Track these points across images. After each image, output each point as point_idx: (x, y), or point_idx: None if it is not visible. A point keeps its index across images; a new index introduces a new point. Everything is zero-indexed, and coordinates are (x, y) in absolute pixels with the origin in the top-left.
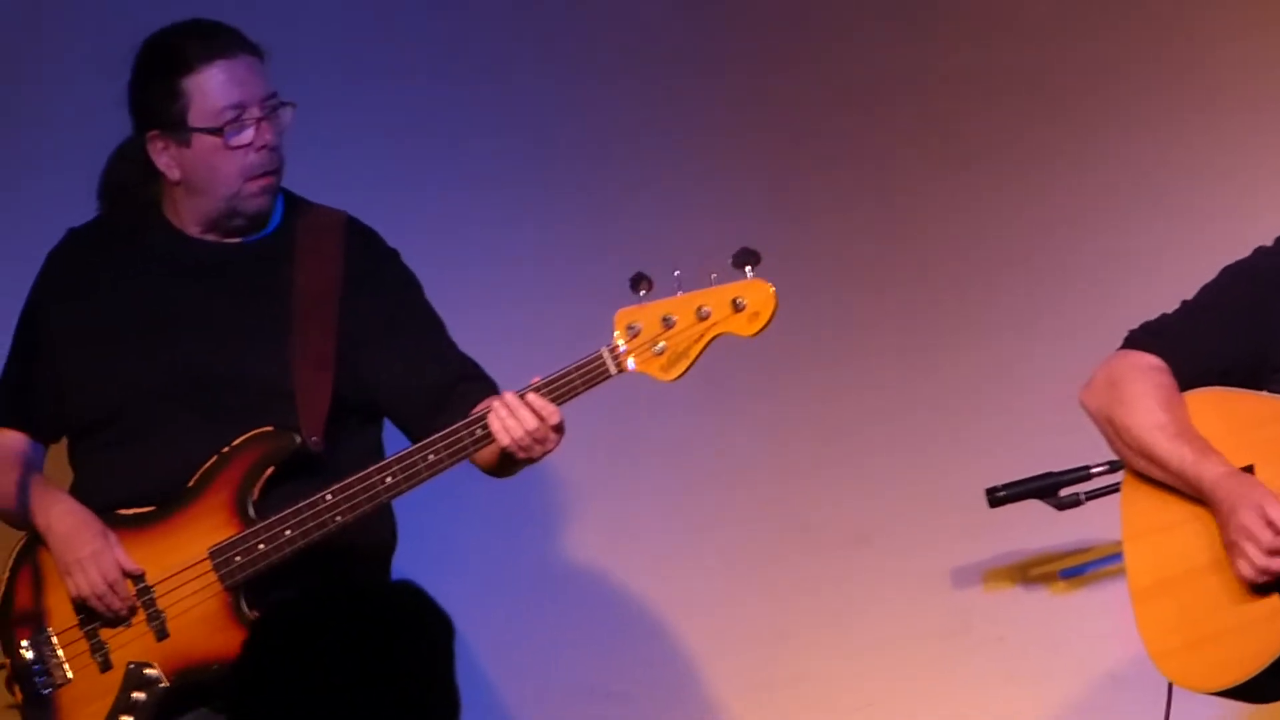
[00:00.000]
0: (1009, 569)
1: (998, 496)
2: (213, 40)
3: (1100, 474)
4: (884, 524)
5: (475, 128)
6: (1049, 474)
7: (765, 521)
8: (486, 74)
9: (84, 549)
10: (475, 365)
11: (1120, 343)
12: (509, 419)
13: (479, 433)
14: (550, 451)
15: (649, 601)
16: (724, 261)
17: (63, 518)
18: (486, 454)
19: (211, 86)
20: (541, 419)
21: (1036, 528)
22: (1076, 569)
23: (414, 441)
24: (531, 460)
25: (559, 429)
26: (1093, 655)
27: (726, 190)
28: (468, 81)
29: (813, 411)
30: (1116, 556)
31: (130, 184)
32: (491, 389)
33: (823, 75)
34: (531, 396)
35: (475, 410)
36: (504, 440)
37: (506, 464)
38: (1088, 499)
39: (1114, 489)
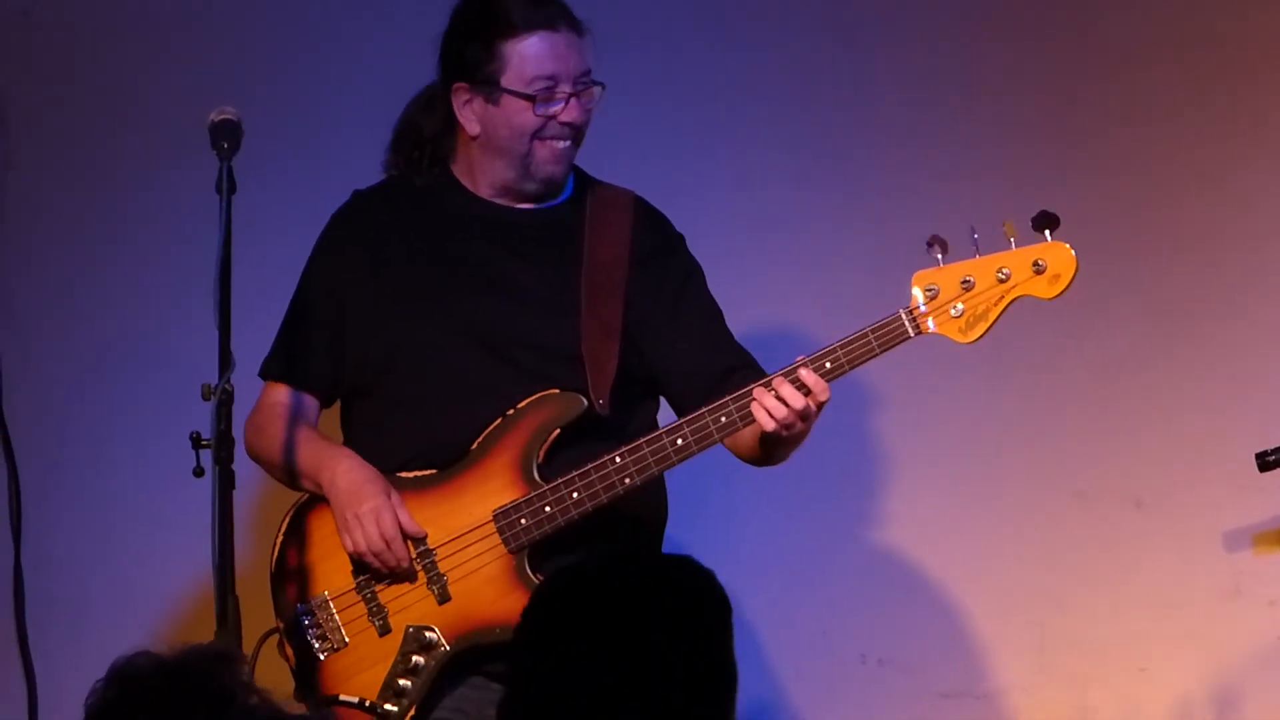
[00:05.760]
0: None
1: (1268, 460)
2: (538, 8)
3: None
4: (1156, 488)
5: (770, 90)
6: None
7: (1040, 487)
8: (779, 36)
9: (364, 504)
10: (749, 355)
11: None
12: (773, 402)
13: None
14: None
15: (923, 568)
16: (1020, 227)
17: (347, 473)
18: (749, 439)
19: (530, 55)
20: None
21: None
22: None
23: None
24: (794, 439)
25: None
26: None
27: (1014, 154)
28: (761, 44)
29: (1086, 378)
30: None
31: (426, 134)
32: (763, 377)
33: (1105, 38)
34: (804, 373)
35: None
36: (768, 424)
37: (770, 447)
38: None
39: None
